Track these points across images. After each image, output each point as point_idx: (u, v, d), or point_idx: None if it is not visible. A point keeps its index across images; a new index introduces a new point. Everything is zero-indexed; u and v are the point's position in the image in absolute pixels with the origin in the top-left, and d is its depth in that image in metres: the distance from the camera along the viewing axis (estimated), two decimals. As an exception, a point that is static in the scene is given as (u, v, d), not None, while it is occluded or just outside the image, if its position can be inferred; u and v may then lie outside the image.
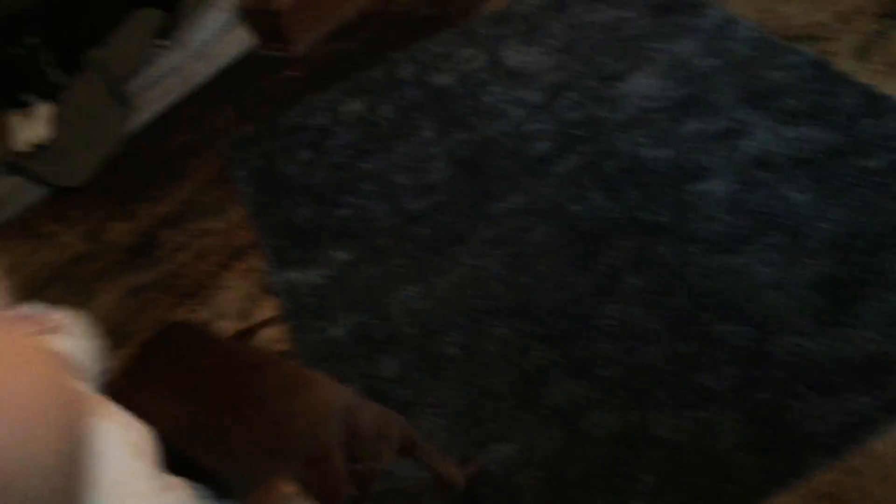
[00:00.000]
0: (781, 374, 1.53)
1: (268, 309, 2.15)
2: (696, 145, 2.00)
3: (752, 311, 1.64)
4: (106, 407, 0.79)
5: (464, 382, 1.75)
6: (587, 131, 2.19)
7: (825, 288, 1.63)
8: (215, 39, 3.14)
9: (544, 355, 1.73)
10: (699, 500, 1.42)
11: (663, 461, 1.48)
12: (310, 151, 2.55)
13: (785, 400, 1.49)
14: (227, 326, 2.16)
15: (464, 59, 2.65)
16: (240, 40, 3.18)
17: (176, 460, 0.89)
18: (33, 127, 2.85)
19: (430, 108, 2.52)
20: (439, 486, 1.43)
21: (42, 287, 2.63)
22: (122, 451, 0.75)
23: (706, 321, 1.66)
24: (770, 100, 2.02)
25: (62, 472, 0.59)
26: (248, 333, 2.09)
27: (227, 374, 1.34)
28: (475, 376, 1.76)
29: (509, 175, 2.17)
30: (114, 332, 2.33)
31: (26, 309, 1.11)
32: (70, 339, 1.12)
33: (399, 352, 1.87)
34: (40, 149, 2.85)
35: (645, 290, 1.76)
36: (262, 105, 2.89)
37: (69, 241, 2.76)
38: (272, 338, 2.08)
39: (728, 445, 1.47)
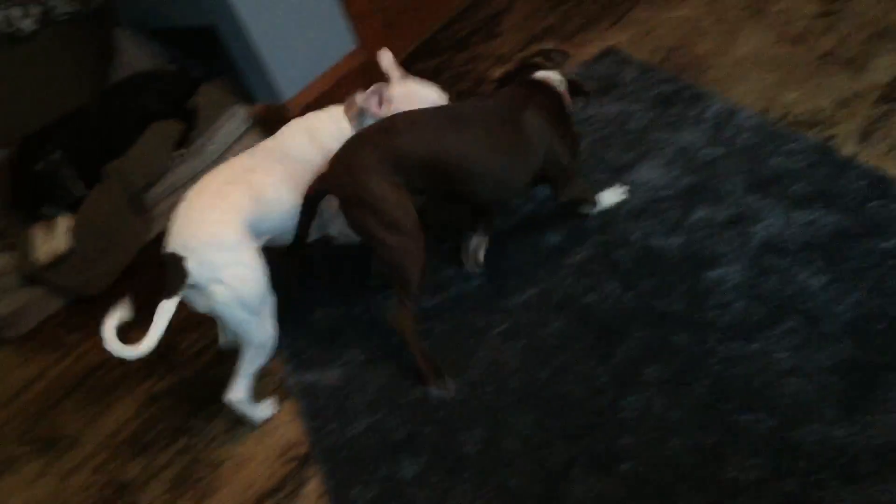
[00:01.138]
0: (806, 463, 1.49)
1: (287, 412, 2.14)
2: (707, 232, 2.01)
3: (773, 398, 1.61)
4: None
5: (484, 483, 1.72)
6: (598, 222, 2.21)
7: (846, 372, 1.60)
8: (230, 146, 3.23)
9: (565, 450, 1.70)
10: None
11: (693, 559, 1.43)
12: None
13: (812, 491, 1.45)
14: (246, 431, 2.14)
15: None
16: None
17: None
18: (54, 239, 2.91)
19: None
20: None
21: (62, 397, 2.64)
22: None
23: (727, 410, 1.63)
24: (777, 186, 2.04)
25: None
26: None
27: None
28: (495, 475, 1.72)
29: (522, 268, 2.18)
30: (129, 441, 2.33)
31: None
32: None
33: (418, 452, 1.84)
34: (61, 260, 2.91)
35: (664, 380, 1.74)
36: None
37: (85, 349, 2.78)
38: (291, 441, 2.06)
39: (759, 540, 1.42)
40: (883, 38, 2.37)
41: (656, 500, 1.55)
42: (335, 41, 3.19)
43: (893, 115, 2.12)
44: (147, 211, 3.10)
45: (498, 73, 2.04)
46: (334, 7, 3.16)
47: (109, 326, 1.77)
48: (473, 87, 3.12)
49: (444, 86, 3.20)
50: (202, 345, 2.51)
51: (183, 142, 3.20)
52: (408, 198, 1.91)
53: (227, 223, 1.93)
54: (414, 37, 3.64)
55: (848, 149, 2.07)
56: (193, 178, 3.12)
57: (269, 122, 3.20)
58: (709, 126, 2.33)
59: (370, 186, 1.86)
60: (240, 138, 3.26)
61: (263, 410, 2.13)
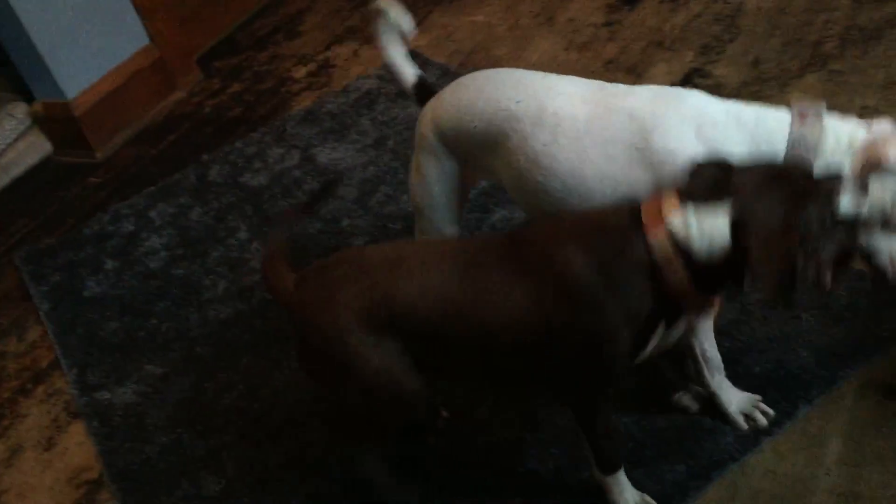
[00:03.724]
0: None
1: (76, 434, 1.99)
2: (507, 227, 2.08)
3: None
4: None
5: (293, 494, 1.68)
6: (403, 224, 2.22)
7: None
8: (8, 149, 2.96)
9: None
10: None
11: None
12: (117, 261, 2.42)
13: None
14: (30, 456, 1.97)
15: (276, 159, 2.64)
16: (36, 148, 3.02)
17: None
18: None
19: (245, 209, 2.48)
20: None
21: None
22: None
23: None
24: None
25: None
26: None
27: None
28: (305, 485, 1.69)
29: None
30: None
31: None
32: None
33: (221, 468, 1.77)
34: None
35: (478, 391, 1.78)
36: (64, 215, 2.73)
37: None
38: (80, 465, 1.91)
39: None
40: (659, 48, 2.56)
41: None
42: (124, 36, 3.00)
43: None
44: None
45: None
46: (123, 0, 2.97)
47: None
48: (276, 87, 3.06)
49: (247, 85, 3.12)
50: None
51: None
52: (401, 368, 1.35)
53: None
54: (212, 33, 3.50)
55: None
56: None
57: (52, 121, 2.97)
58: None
59: (344, 338, 1.33)
60: (17, 139, 2.99)
61: None
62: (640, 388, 1.64)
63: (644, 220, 1.21)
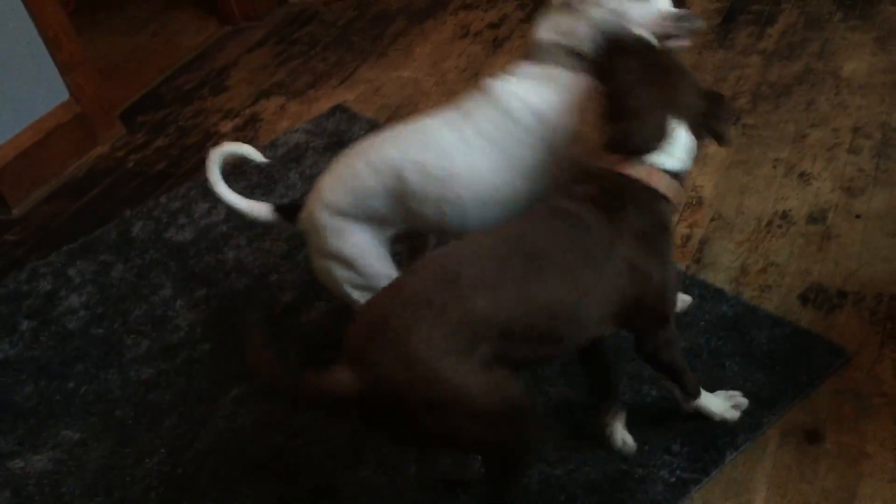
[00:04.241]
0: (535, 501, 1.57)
1: (-16, 507, 1.88)
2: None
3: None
4: None
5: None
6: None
7: (561, 414, 1.71)
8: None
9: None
10: None
11: None
12: (33, 321, 2.33)
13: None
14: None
15: (202, 213, 2.60)
16: (-53, 205, 2.91)
17: None
18: None
19: (170, 266, 2.42)
20: None
21: None
22: None
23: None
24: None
25: None
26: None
27: None
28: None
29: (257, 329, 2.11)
30: None
31: None
32: None
33: (143, 536, 1.70)
34: None
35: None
36: (-24, 274, 2.62)
37: None
38: (-10, 541, 1.81)
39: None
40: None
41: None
42: (43, 90, 2.94)
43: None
44: None
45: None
46: (41, 53, 2.91)
47: None
48: (202, 141, 3.02)
49: (171, 139, 3.08)
50: None
51: None
52: (503, 375, 1.31)
53: None
54: (135, 88, 3.46)
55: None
56: None
57: (-35, 177, 2.87)
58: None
59: (444, 377, 1.24)
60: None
61: None
62: (570, 439, 1.64)
63: (635, 174, 1.41)
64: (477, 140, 1.58)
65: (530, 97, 1.57)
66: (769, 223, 2.05)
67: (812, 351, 1.70)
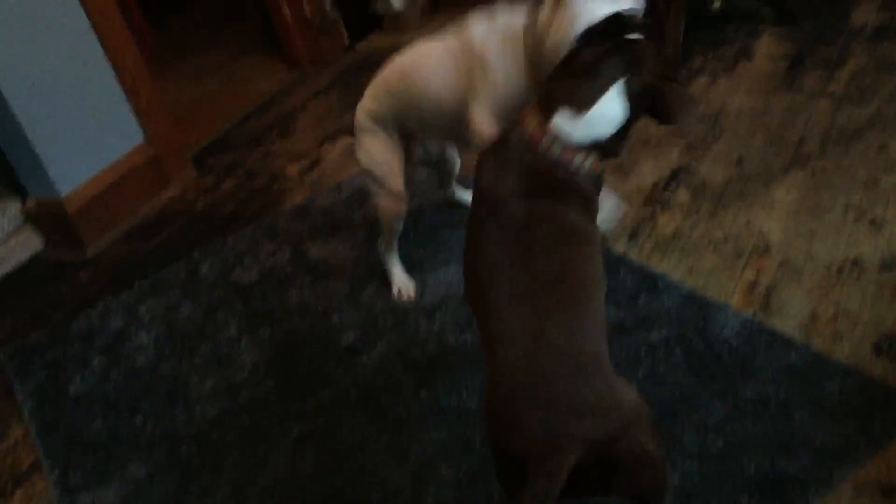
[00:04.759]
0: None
1: (52, 539, 1.92)
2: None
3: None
4: None
5: None
6: (393, 319, 2.22)
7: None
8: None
9: (362, 560, 1.64)
10: None
11: None
12: (104, 357, 2.40)
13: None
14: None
15: (267, 255, 2.65)
16: (27, 245, 3.03)
17: None
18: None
19: (235, 306, 2.47)
20: None
21: None
22: None
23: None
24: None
25: None
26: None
27: None
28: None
29: (318, 369, 2.14)
30: None
31: None
32: None
33: (204, 574, 1.71)
34: None
35: (460, 478, 1.74)
36: (51, 312, 2.72)
37: None
38: (57, 573, 1.84)
39: None
40: (644, 146, 2.62)
41: None
42: (120, 135, 3.05)
43: (657, 216, 2.33)
44: None
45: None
46: (120, 99, 3.03)
47: None
48: (268, 184, 3.10)
49: (239, 182, 3.16)
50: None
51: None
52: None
53: None
54: (206, 132, 3.57)
55: (619, 247, 2.23)
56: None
57: (44, 218, 2.99)
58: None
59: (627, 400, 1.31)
60: (8, 237, 3.00)
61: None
62: None
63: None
64: (449, 63, 1.93)
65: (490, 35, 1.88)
66: (840, 270, 2.00)
67: (886, 403, 1.65)
